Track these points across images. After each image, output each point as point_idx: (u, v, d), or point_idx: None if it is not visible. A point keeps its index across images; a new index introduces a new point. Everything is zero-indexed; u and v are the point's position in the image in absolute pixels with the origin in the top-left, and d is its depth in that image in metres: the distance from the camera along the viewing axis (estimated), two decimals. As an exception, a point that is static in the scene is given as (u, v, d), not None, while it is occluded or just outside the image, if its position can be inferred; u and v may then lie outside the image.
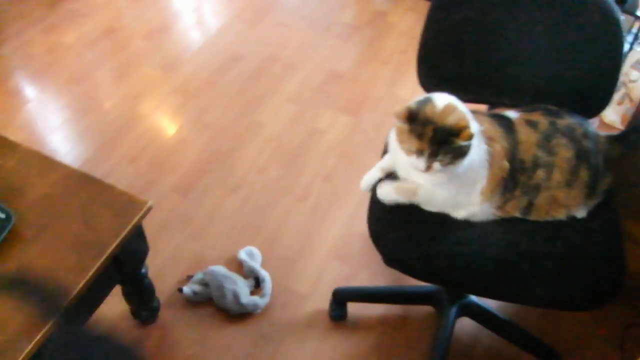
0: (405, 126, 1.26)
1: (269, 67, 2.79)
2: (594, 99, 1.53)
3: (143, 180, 2.28)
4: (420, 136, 1.24)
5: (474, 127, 1.28)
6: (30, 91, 2.72)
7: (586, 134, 1.36)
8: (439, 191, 1.35)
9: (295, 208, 2.19)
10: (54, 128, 2.51)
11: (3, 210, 1.35)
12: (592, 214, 1.42)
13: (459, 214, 1.38)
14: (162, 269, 1.99)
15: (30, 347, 1.17)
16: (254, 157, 2.37)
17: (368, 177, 1.48)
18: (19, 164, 1.50)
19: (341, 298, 1.84)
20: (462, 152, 1.24)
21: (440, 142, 1.22)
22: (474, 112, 1.36)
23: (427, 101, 1.27)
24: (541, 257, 1.34)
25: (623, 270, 1.32)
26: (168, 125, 2.52)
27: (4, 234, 1.32)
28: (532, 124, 1.36)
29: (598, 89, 1.51)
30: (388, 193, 1.41)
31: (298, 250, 2.05)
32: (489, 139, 1.31)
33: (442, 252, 1.34)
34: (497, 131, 1.33)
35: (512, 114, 1.40)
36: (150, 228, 2.02)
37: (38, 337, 1.18)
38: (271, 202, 2.20)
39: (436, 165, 1.24)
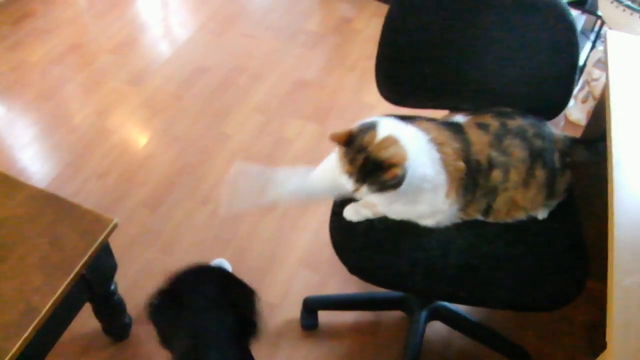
0: (342, 148, 1.28)
1: (236, 78, 2.81)
2: (553, 100, 1.56)
3: (112, 196, 2.28)
4: (351, 161, 1.25)
5: (417, 148, 1.29)
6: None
7: (539, 134, 1.39)
8: (396, 207, 1.37)
9: (264, 218, 2.20)
10: (22, 146, 2.50)
11: (-34, 236, 1.34)
12: (553, 214, 1.46)
13: (427, 222, 1.40)
14: (134, 283, 1.99)
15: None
16: (223, 169, 2.38)
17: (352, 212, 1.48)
18: (-21, 188, 1.50)
19: (311, 307, 1.86)
20: (389, 185, 1.24)
21: (368, 173, 1.24)
22: (416, 118, 1.39)
23: (370, 128, 1.28)
24: (502, 259, 1.37)
25: (586, 268, 1.36)
26: (136, 140, 2.52)
27: (-32, 260, 1.31)
28: (482, 126, 1.39)
29: (556, 91, 1.55)
30: (355, 212, 1.43)
31: (268, 260, 2.07)
32: (439, 145, 1.33)
33: (403, 260, 1.37)
34: (446, 135, 1.35)
35: (460, 118, 1.43)
36: (120, 243, 2.05)
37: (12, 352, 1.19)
38: (240, 213, 2.21)
39: (364, 189, 1.26)
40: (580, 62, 2.81)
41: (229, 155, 2.44)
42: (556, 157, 1.40)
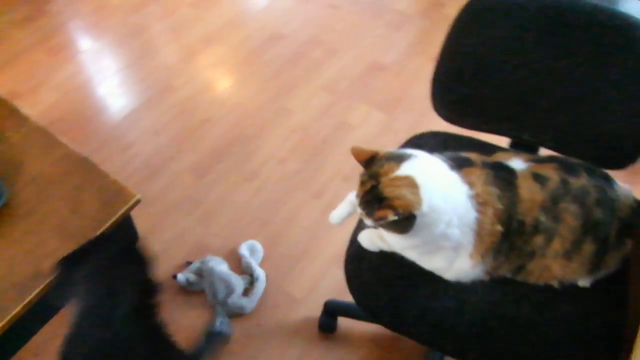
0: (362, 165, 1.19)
1: (310, 51, 2.73)
2: (626, 147, 1.39)
3: (163, 156, 2.27)
4: (362, 183, 1.17)
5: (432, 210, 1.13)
6: (78, 45, 2.75)
7: (601, 202, 1.20)
8: (408, 253, 1.27)
9: (307, 205, 2.14)
10: (99, 82, 2.53)
11: (-2, 186, 1.35)
12: (597, 283, 1.28)
13: (446, 275, 1.27)
14: (164, 250, 1.99)
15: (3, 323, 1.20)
16: (276, 146, 2.33)
17: (337, 212, 1.38)
18: (23, 139, 1.50)
19: (332, 310, 1.80)
20: (385, 225, 1.15)
21: (369, 202, 1.14)
22: (471, 163, 1.24)
23: (395, 159, 1.16)
24: (523, 325, 1.23)
25: (617, 353, 1.21)
26: (196, 102, 2.50)
27: (-5, 210, 1.32)
28: (540, 179, 1.22)
29: (630, 140, 1.37)
30: (370, 240, 1.34)
31: (301, 251, 2.01)
32: (481, 204, 1.18)
33: (413, 304, 1.26)
34: (492, 191, 1.20)
35: (518, 163, 1.26)
36: (159, 207, 2.04)
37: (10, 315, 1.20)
38: (284, 196, 2.16)
39: (364, 216, 1.17)
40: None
41: (285, 132, 2.38)
42: (614, 229, 1.21)
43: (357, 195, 1.18)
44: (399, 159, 1.16)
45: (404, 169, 1.13)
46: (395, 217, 1.09)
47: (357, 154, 1.19)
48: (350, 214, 1.36)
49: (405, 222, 1.12)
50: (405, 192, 1.10)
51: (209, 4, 2.96)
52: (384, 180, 1.13)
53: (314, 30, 2.85)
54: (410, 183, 1.11)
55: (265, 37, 2.80)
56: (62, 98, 2.48)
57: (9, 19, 2.85)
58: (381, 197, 1.12)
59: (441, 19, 3.00)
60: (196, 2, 2.95)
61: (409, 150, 1.20)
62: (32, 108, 2.40)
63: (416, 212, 1.10)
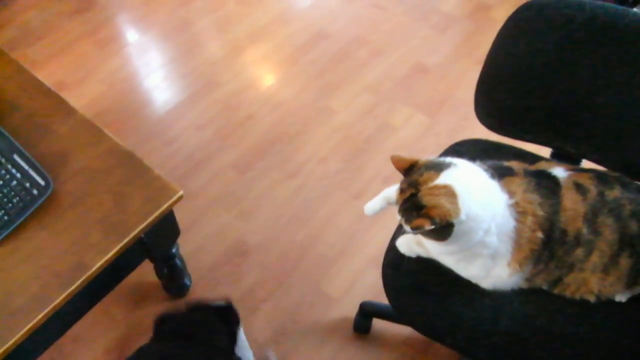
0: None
1: (354, 51, 2.72)
2: None
3: (205, 151, 2.30)
4: (401, 190, 1.17)
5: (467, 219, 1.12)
6: (126, 38, 2.80)
7: (635, 214, 1.19)
8: (445, 259, 1.26)
9: (346, 206, 2.15)
10: (145, 75, 2.58)
11: (44, 178, 1.38)
12: (635, 299, 1.26)
13: (483, 284, 1.27)
14: (202, 246, 2.01)
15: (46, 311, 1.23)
16: (318, 145, 2.33)
17: (372, 205, 1.38)
18: (70, 131, 1.53)
19: (367, 312, 1.80)
20: (424, 233, 1.15)
21: (407, 209, 1.15)
22: (512, 172, 1.23)
23: (435, 168, 1.16)
24: (557, 338, 1.22)
25: None
26: (240, 98, 2.52)
27: (40, 202, 1.35)
28: (581, 190, 1.21)
29: None
30: (408, 246, 1.34)
31: (339, 251, 2.02)
32: (520, 213, 1.17)
33: (448, 312, 1.26)
34: (533, 198, 1.19)
35: (560, 172, 1.25)
36: (200, 202, 2.07)
37: (53, 304, 1.24)
38: (324, 195, 2.17)
39: (403, 223, 1.17)
40: None
41: (328, 131, 2.39)
42: None
43: (397, 203, 1.19)
44: (439, 167, 1.16)
45: (443, 178, 1.14)
46: (432, 226, 1.09)
47: (396, 162, 1.20)
48: (383, 209, 1.36)
49: (443, 230, 1.12)
50: (444, 201, 1.10)
51: (255, 0, 2.97)
52: (423, 188, 1.13)
53: (359, 30, 2.84)
54: (449, 192, 1.11)
55: (310, 35, 2.80)
56: (108, 90, 2.52)
57: (59, 10, 2.90)
58: (420, 206, 1.12)
59: (487, 22, 2.97)
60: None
61: (448, 159, 1.20)
62: (79, 99, 2.45)
63: (454, 221, 1.10)
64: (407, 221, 1.15)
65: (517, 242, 1.17)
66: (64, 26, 2.82)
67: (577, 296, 1.23)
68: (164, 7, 2.91)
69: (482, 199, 1.15)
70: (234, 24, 2.84)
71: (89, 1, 2.93)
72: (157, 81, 2.58)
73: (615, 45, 1.33)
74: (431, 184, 1.13)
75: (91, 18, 2.85)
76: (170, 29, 2.81)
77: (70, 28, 2.81)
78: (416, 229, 1.11)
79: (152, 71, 2.62)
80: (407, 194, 1.15)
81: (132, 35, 2.80)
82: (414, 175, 1.16)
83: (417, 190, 1.14)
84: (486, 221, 1.15)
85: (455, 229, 1.12)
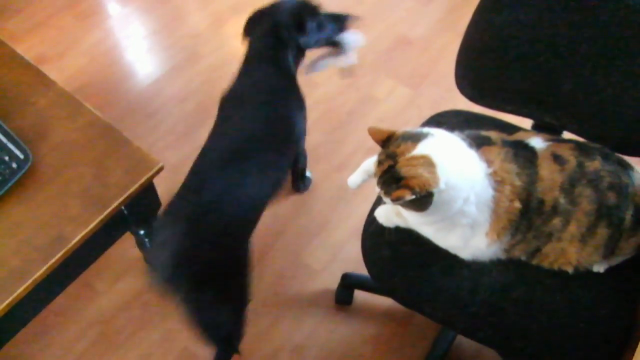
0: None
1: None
2: None
3: (187, 123, 2.29)
4: (379, 162, 1.17)
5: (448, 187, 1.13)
6: (107, 10, 2.78)
7: (614, 186, 1.20)
8: (425, 229, 1.27)
9: (329, 178, 2.15)
10: (126, 48, 2.58)
11: (23, 151, 1.37)
12: (612, 270, 1.28)
13: (462, 254, 1.28)
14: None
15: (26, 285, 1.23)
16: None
17: (354, 177, 1.38)
18: (49, 104, 1.52)
19: (349, 283, 1.82)
20: (402, 203, 1.15)
21: (386, 181, 1.15)
22: (490, 141, 1.24)
23: (413, 139, 1.16)
24: (534, 308, 1.24)
25: (627, 341, 1.21)
26: (222, 72, 2.50)
27: (19, 175, 1.35)
28: (559, 160, 1.22)
29: None
30: (387, 217, 1.34)
31: (321, 223, 2.03)
32: (498, 182, 1.18)
33: (427, 282, 1.28)
34: (511, 168, 1.20)
35: (538, 142, 1.26)
36: (183, 174, 2.05)
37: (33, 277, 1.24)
38: (307, 167, 2.17)
39: (382, 195, 1.17)
40: None
41: (310, 104, 2.32)
42: (629, 214, 1.20)
43: (375, 175, 1.19)
44: (416, 138, 1.16)
45: (421, 148, 1.14)
46: (413, 197, 1.09)
47: (374, 133, 1.19)
48: (365, 181, 1.36)
49: (423, 200, 1.13)
50: (422, 171, 1.10)
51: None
52: (400, 160, 1.13)
53: (342, 1, 2.82)
54: (427, 162, 1.12)
55: (292, 5, 2.77)
56: (90, 63, 2.50)
57: (39, -17, 2.86)
58: (398, 177, 1.12)
59: (471, -6, 2.95)
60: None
61: (425, 129, 1.20)
62: (60, 73, 2.43)
63: (433, 191, 1.10)
64: (387, 193, 1.16)
65: (495, 211, 1.18)
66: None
67: (555, 267, 1.25)
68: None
69: (460, 168, 1.16)
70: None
71: (69, -28, 2.89)
72: (139, 54, 2.56)
73: (596, 17, 1.33)
74: (409, 155, 1.13)
75: (71, -10, 2.81)
76: (152, 0, 2.78)
77: (50, 1, 2.77)
78: (396, 200, 1.12)
79: (133, 44, 2.59)
80: (385, 165, 1.15)
81: (113, 7, 2.77)
82: (391, 147, 1.16)
83: (395, 162, 1.14)
84: (465, 190, 1.16)
85: (435, 198, 1.12)
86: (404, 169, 1.12)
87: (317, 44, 1.76)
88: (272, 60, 1.68)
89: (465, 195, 1.15)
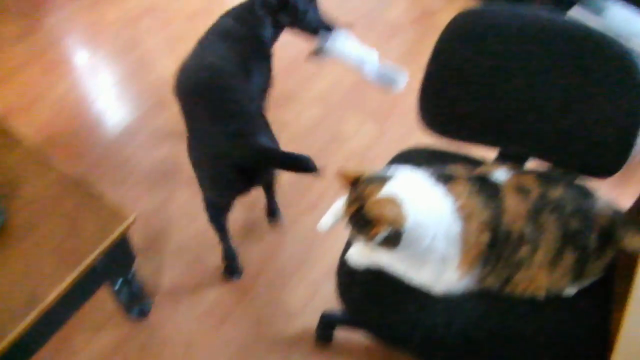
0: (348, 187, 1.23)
1: (302, 63, 2.75)
2: (609, 159, 1.41)
3: (160, 170, 2.29)
4: (348, 204, 1.21)
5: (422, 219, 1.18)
6: (74, 61, 2.78)
7: (577, 212, 1.24)
8: (397, 267, 1.30)
9: (302, 218, 2.17)
10: (95, 97, 2.58)
11: (-4, 208, 1.37)
12: (582, 292, 1.32)
13: (434, 289, 1.30)
14: (163, 264, 2.02)
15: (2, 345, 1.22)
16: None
17: (325, 220, 1.41)
18: (18, 161, 1.53)
19: (328, 321, 1.82)
20: (375, 242, 1.18)
21: (356, 223, 1.19)
22: (456, 177, 1.27)
23: (378, 181, 1.20)
24: (511, 336, 1.27)
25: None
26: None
27: (-8, 232, 1.34)
28: (522, 191, 1.26)
29: (612, 150, 1.39)
30: (358, 257, 1.37)
31: (297, 263, 2.04)
32: (466, 217, 1.22)
33: (403, 318, 1.29)
34: (477, 202, 1.24)
35: (502, 174, 1.30)
36: (159, 220, 2.07)
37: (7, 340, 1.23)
38: (280, 208, 2.19)
39: (353, 234, 1.21)
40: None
41: (280, 143, 2.40)
42: (593, 238, 1.25)
43: (345, 216, 1.22)
44: (381, 180, 1.20)
45: (386, 190, 1.17)
46: (385, 235, 1.13)
47: (343, 178, 1.23)
48: (337, 222, 1.39)
49: (393, 239, 1.16)
50: (389, 212, 1.14)
51: (204, 16, 2.96)
52: (367, 202, 1.17)
53: (307, 42, 2.86)
54: (393, 202, 1.15)
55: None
56: (59, 114, 2.50)
57: (3, 35, 2.86)
58: (366, 219, 1.15)
59: (432, 27, 3.03)
60: (191, 15, 2.98)
61: (391, 169, 1.24)
62: (29, 125, 2.42)
63: (401, 230, 1.13)
64: (358, 233, 1.19)
65: (465, 245, 1.21)
66: (9, 51, 2.78)
67: (527, 294, 1.28)
68: (111, 27, 2.90)
69: (426, 206, 1.19)
70: (184, 41, 2.81)
71: (33, 25, 2.90)
72: (108, 102, 2.57)
73: (547, 49, 1.39)
74: (375, 197, 1.17)
75: (37, 42, 2.82)
76: (119, 48, 2.80)
77: (16, 53, 2.78)
78: (371, 240, 1.15)
79: (101, 93, 2.60)
80: (354, 208, 1.18)
81: (80, 57, 2.78)
82: (359, 189, 1.19)
83: (363, 204, 1.17)
84: (432, 226, 1.19)
85: (404, 236, 1.15)
86: (371, 211, 1.15)
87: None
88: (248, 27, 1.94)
89: (433, 232, 1.19)
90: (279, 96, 2.58)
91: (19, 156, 1.53)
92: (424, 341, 1.27)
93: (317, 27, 2.06)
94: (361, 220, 1.17)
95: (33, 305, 1.28)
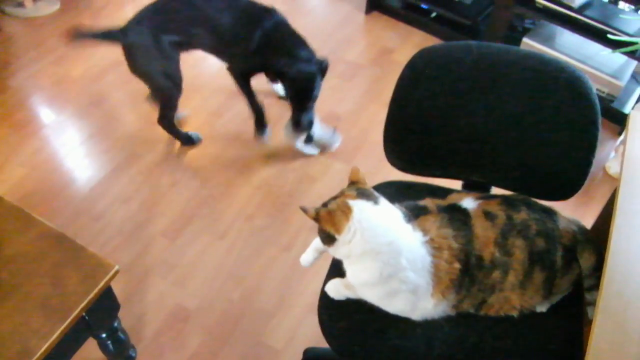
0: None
1: (267, 108, 2.80)
2: (566, 180, 1.48)
3: (134, 222, 2.32)
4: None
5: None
6: (42, 119, 2.80)
7: (541, 232, 1.31)
8: (370, 297, 1.35)
9: (278, 259, 2.22)
10: (65, 154, 2.58)
11: (-23, 269, 1.39)
12: (554, 307, 1.39)
13: (412, 316, 1.36)
14: (144, 315, 2.03)
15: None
16: (244, 204, 2.40)
17: (306, 256, 1.49)
18: (-1, 219, 1.55)
19: (311, 358, 1.86)
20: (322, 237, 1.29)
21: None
22: (426, 210, 1.34)
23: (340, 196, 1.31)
24: (488, 355, 1.32)
25: None
26: (161, 168, 2.57)
27: (-25, 293, 1.36)
28: (490, 217, 1.33)
29: (570, 173, 1.47)
30: (337, 290, 1.42)
31: (277, 303, 2.08)
32: (436, 249, 1.28)
33: (385, 346, 1.34)
34: (447, 232, 1.30)
35: (469, 203, 1.37)
36: (136, 273, 2.09)
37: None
38: (255, 251, 2.23)
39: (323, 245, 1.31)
40: (628, 109, 2.74)
41: (251, 189, 2.46)
42: (559, 255, 1.32)
43: (319, 234, 1.31)
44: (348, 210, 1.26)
45: (349, 202, 1.27)
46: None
47: (307, 213, 1.28)
48: (317, 258, 1.47)
49: (328, 236, 1.26)
50: (339, 213, 1.25)
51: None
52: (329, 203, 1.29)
53: (270, 87, 2.94)
54: (346, 207, 1.26)
55: (223, 98, 2.89)
56: (30, 173, 2.52)
57: (-31, 98, 2.89)
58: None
59: (391, 65, 3.14)
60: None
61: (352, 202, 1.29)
62: (2, 184, 2.44)
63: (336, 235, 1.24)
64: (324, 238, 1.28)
65: (436, 275, 1.28)
66: (-24, 113, 2.81)
67: (502, 313, 1.35)
68: (76, 85, 2.94)
69: (389, 239, 1.26)
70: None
71: (0, 85, 2.93)
72: (78, 159, 2.59)
73: (501, 80, 1.47)
74: (341, 200, 1.27)
75: (4, 102, 2.84)
76: (85, 105, 2.84)
77: (-17, 114, 2.80)
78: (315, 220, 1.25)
79: (71, 150, 2.63)
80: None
81: (47, 115, 2.81)
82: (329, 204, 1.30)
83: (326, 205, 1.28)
84: (402, 257, 1.25)
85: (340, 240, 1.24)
86: (329, 204, 1.27)
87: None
88: None
89: (400, 265, 1.25)
90: (245, 143, 2.65)
91: (-1, 215, 1.55)
92: (406, 366, 1.32)
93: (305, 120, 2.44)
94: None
95: (25, 358, 1.29)
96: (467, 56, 1.49)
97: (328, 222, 1.24)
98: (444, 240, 1.29)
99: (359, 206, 1.25)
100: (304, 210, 1.25)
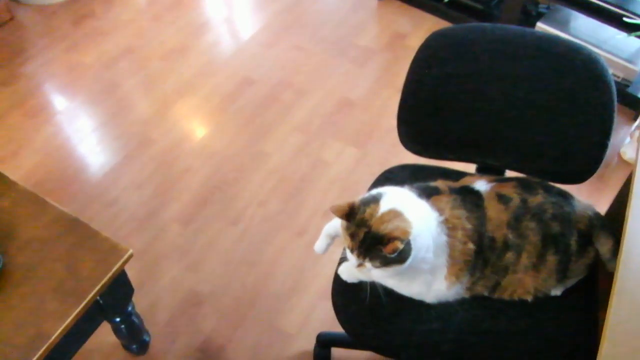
0: (343, 221, 1.24)
1: (280, 94, 2.81)
2: (582, 164, 1.47)
3: (147, 208, 2.33)
4: (352, 236, 1.21)
5: (422, 228, 1.22)
6: (55, 106, 2.81)
7: (557, 216, 1.30)
8: (390, 282, 1.34)
9: (291, 244, 2.22)
10: (79, 140, 2.59)
11: (-7, 252, 1.40)
12: (569, 290, 1.38)
13: (426, 299, 1.35)
14: (157, 300, 2.04)
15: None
16: (257, 189, 2.40)
17: (320, 243, 1.46)
18: (13, 204, 1.56)
19: (325, 342, 1.86)
20: (392, 260, 1.18)
21: (368, 247, 1.19)
22: (438, 191, 1.33)
23: (372, 201, 1.23)
24: (503, 337, 1.32)
25: (593, 355, 1.29)
26: (174, 154, 2.57)
27: (-8, 276, 1.37)
28: (503, 199, 1.32)
29: (586, 155, 1.45)
30: (350, 272, 1.41)
31: (290, 288, 2.08)
32: (450, 229, 1.27)
33: (399, 329, 1.34)
34: (460, 213, 1.29)
35: (483, 185, 1.36)
36: (149, 258, 2.10)
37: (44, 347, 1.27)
38: (268, 236, 2.23)
39: (367, 264, 1.22)
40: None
41: (264, 174, 2.46)
42: (574, 240, 1.31)
43: (352, 248, 1.22)
44: (375, 199, 1.24)
45: (384, 205, 1.22)
46: (402, 246, 1.14)
47: (336, 211, 1.23)
48: (330, 244, 1.45)
49: (405, 249, 1.18)
50: (397, 222, 1.18)
51: (179, 55, 3.04)
52: (373, 223, 1.19)
53: (282, 73, 2.94)
54: (396, 214, 1.20)
55: (236, 83, 2.88)
56: (44, 159, 2.53)
57: (-16, 86, 2.90)
58: (379, 237, 1.18)
59: (403, 50, 3.11)
60: (166, 55, 3.03)
61: (378, 190, 1.28)
62: (16, 171, 2.45)
63: (410, 236, 1.17)
64: (374, 258, 1.20)
65: (451, 255, 1.27)
66: (-10, 101, 2.82)
67: (516, 297, 1.34)
68: (89, 72, 2.95)
69: (419, 217, 1.24)
70: (161, 81, 2.90)
71: (13, 73, 2.93)
72: (91, 145, 2.60)
73: (516, 62, 1.45)
74: (377, 215, 1.20)
75: (18, 89, 2.85)
76: (98, 92, 2.85)
77: (-3, 102, 2.82)
78: (391, 254, 1.15)
79: (85, 136, 2.64)
80: (361, 235, 1.20)
81: (60, 102, 2.82)
82: (357, 217, 1.22)
83: (369, 227, 1.20)
84: (426, 237, 1.24)
85: (409, 247, 1.19)
86: (381, 227, 1.18)
87: None
88: None
89: (426, 243, 1.23)
90: (258, 129, 2.65)
91: (13, 200, 1.56)
92: (420, 349, 1.32)
93: None
94: (372, 242, 1.18)
95: (40, 342, 1.30)
96: (482, 38, 1.48)
97: (399, 231, 1.18)
98: (458, 220, 1.28)
99: (393, 204, 1.23)
100: (396, 245, 1.16)
